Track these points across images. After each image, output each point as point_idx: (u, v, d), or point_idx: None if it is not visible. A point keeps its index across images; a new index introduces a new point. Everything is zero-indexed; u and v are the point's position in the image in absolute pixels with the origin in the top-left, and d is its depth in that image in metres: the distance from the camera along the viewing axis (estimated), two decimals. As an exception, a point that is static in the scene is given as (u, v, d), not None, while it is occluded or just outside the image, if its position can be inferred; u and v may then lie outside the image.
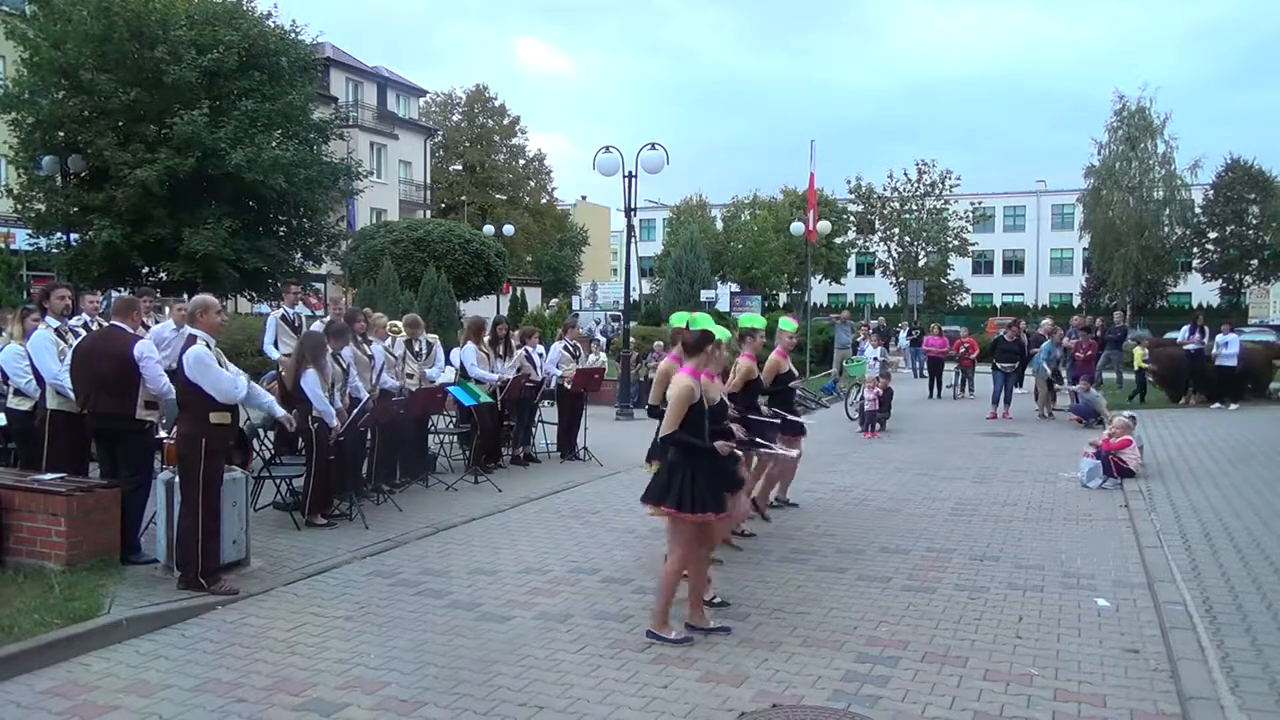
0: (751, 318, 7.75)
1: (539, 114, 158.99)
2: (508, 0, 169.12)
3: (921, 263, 56.13)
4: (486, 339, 11.22)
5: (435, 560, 7.27)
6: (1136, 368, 18.73)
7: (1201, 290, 53.16)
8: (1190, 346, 18.14)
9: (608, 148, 17.74)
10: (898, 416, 15.94)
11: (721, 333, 7.36)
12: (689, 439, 5.43)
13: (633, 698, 4.75)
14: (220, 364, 6.14)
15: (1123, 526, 8.53)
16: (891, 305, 56.15)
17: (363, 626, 5.77)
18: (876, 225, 57.22)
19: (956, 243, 56.20)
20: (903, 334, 30.77)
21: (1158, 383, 19.30)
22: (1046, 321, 19.10)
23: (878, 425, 15.04)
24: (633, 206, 18.30)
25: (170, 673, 5.01)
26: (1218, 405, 17.62)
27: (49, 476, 6.54)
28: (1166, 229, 47.76)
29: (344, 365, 8.27)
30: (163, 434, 7.08)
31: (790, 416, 8.48)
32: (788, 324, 9.49)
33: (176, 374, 6.24)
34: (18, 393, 7.42)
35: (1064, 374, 17.81)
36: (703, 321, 7.01)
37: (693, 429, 5.44)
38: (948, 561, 7.34)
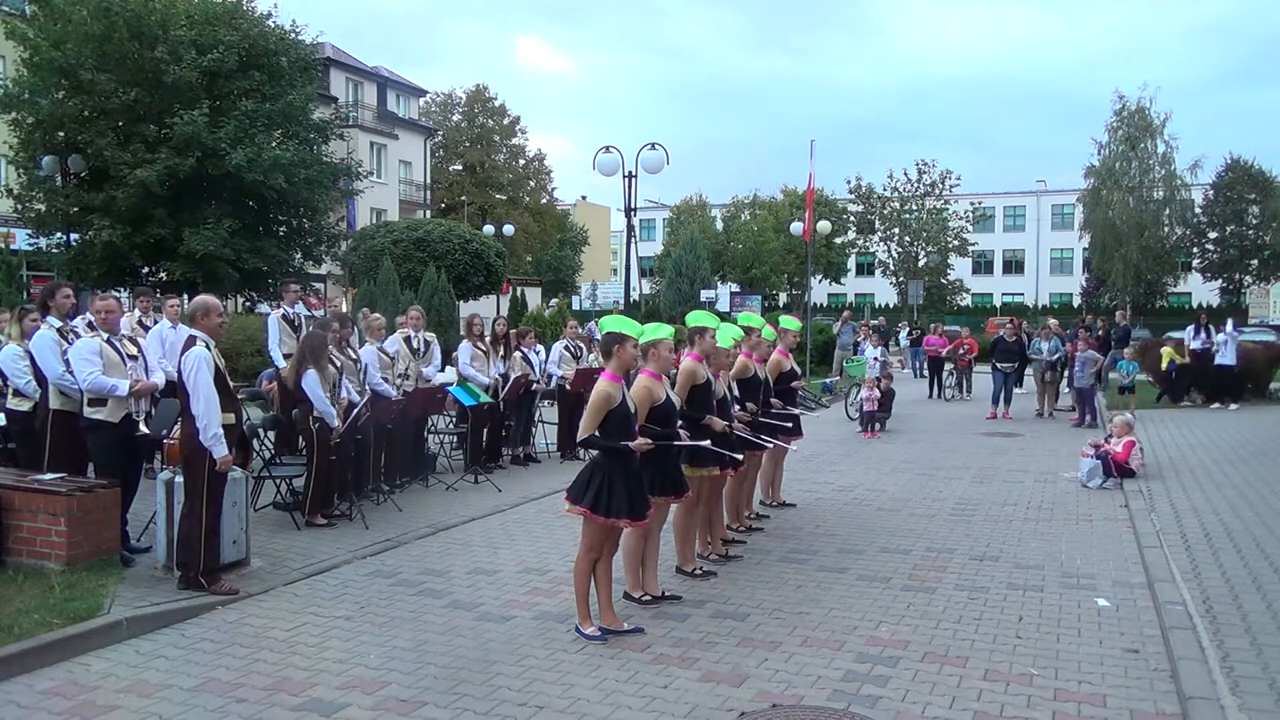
0: (697, 315, 7.14)
1: (539, 114, 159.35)
2: None
3: (921, 263, 56.11)
4: (487, 338, 11.22)
5: (435, 560, 7.27)
6: (1166, 366, 18.22)
7: (1201, 290, 53.19)
8: (1196, 346, 18.11)
9: (608, 148, 17.76)
10: (898, 416, 15.93)
11: (726, 329, 7.35)
12: (602, 442, 5.48)
13: (633, 698, 4.75)
14: (218, 366, 6.14)
15: (1123, 526, 8.53)
16: (891, 305, 56.16)
17: (363, 626, 5.77)
18: (876, 225, 57.19)
19: (956, 243, 56.19)
20: (903, 334, 30.77)
21: (1155, 383, 19.30)
22: (1053, 321, 19.06)
23: (878, 425, 15.05)
24: (633, 206, 18.31)
25: (170, 673, 5.01)
26: (1217, 405, 17.62)
27: (49, 476, 6.54)
28: (1166, 229, 47.79)
29: (338, 365, 8.27)
30: (144, 430, 7.08)
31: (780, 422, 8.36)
32: (790, 322, 9.46)
33: (178, 375, 6.25)
34: (17, 393, 7.42)
35: (1063, 373, 17.81)
36: (699, 318, 7.02)
37: (613, 433, 5.49)
38: (948, 561, 7.34)
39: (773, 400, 8.27)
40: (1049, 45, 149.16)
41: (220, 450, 6.01)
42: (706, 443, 6.34)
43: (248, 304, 27.48)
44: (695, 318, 6.98)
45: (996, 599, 6.40)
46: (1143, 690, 4.88)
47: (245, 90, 23.88)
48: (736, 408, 7.32)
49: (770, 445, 7.79)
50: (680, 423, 6.27)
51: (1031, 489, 10.37)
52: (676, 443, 6.05)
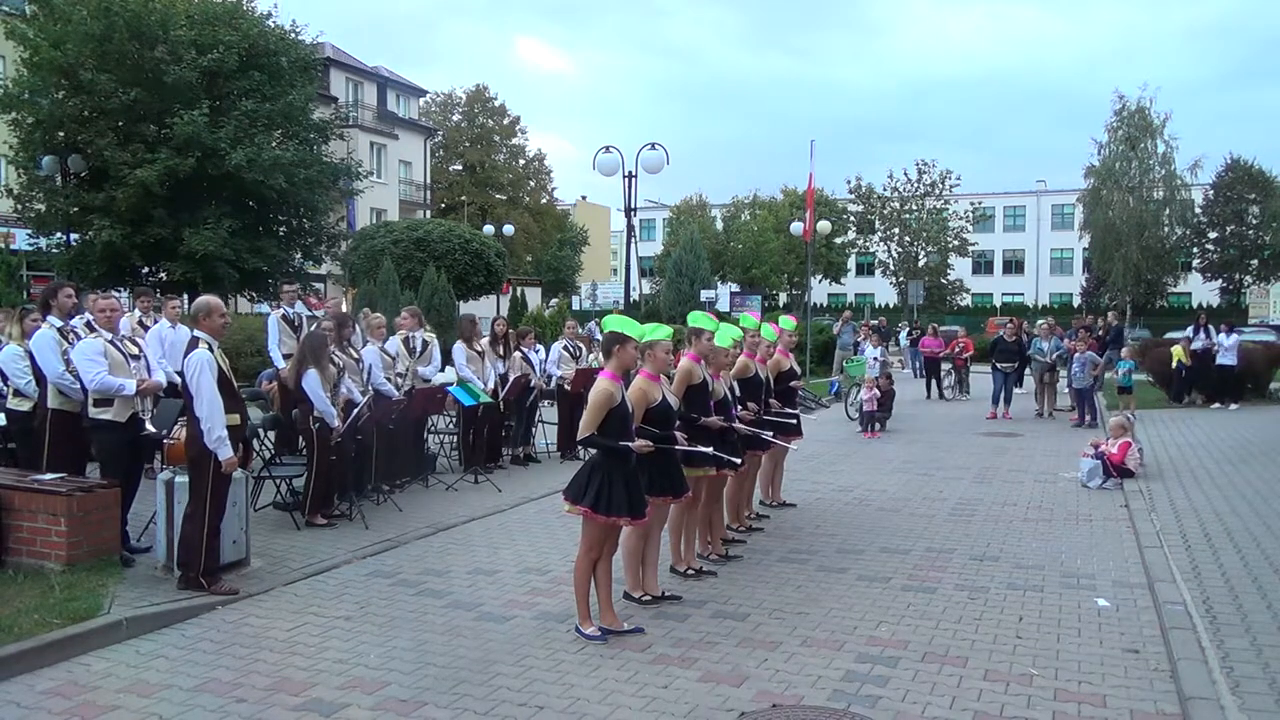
0: (696, 316, 7.06)
1: (539, 114, 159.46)
2: None
3: (921, 263, 56.12)
4: (485, 339, 11.21)
5: (435, 560, 7.27)
6: (1175, 364, 18.18)
7: (1201, 290, 53.23)
8: (1197, 346, 18.11)
9: (608, 148, 17.77)
10: (898, 416, 15.93)
11: (724, 329, 7.35)
12: (603, 441, 5.49)
13: (633, 698, 4.75)
14: (221, 368, 6.14)
15: (1123, 526, 8.53)
16: (891, 305, 56.17)
17: (363, 626, 5.77)
18: (876, 225, 57.20)
19: (956, 243, 56.20)
20: (903, 334, 30.77)
21: (1156, 383, 19.30)
22: (1042, 322, 19.07)
23: (878, 425, 15.04)
24: (633, 206, 18.31)
25: (170, 673, 5.01)
26: (1218, 405, 17.61)
27: (49, 476, 6.54)
28: (1166, 229, 47.71)
29: (339, 365, 8.27)
30: (151, 429, 7.08)
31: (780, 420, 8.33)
32: (787, 322, 9.48)
33: (181, 377, 6.26)
34: (17, 393, 7.42)
35: (1062, 373, 17.81)
36: (697, 319, 7.02)
37: (613, 432, 5.49)
38: (948, 561, 7.34)
39: (771, 401, 8.27)
40: (1049, 45, 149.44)
41: (225, 452, 6.01)
42: (709, 449, 6.33)
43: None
44: (694, 319, 6.98)
45: (996, 599, 6.39)
46: (1143, 690, 4.88)
47: (245, 90, 23.89)
48: (739, 408, 7.32)
49: (772, 443, 7.80)
50: (678, 423, 6.27)
51: (1031, 489, 10.37)
52: (677, 447, 6.05)
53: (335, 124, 29.50)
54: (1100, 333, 19.64)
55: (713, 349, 6.89)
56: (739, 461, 6.98)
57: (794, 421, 8.67)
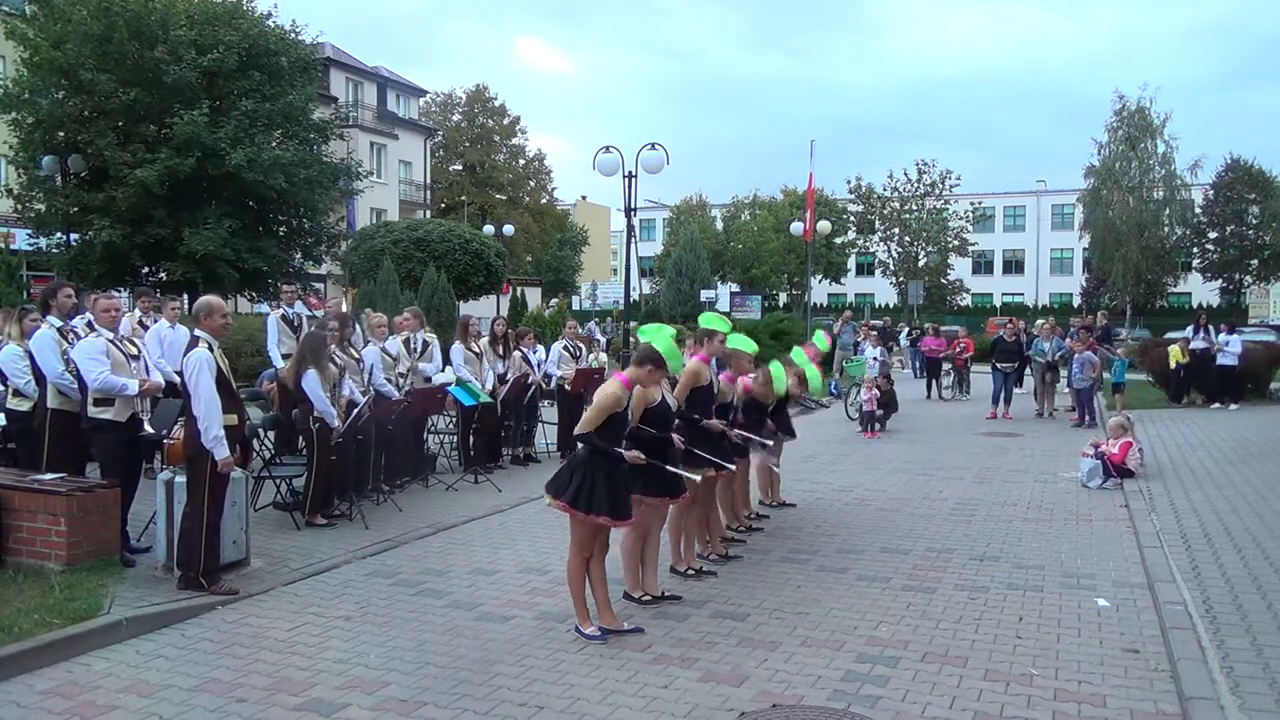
0: (709, 317, 7.17)
1: (539, 114, 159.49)
2: None
3: (921, 263, 56.10)
4: (485, 339, 11.21)
5: (435, 560, 7.27)
6: (1174, 365, 18.18)
7: (1201, 290, 53.24)
8: (1196, 346, 18.12)
9: (608, 148, 17.79)
10: (897, 416, 15.92)
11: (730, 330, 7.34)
12: (598, 443, 5.50)
13: (633, 698, 4.75)
14: (220, 368, 6.14)
15: (1123, 526, 8.53)
16: (891, 305, 56.18)
17: (363, 626, 5.77)
18: (876, 225, 57.20)
19: (956, 243, 56.19)
20: (903, 335, 30.77)
21: (1155, 383, 19.29)
22: (1043, 321, 19.06)
23: (878, 425, 15.05)
24: (633, 206, 18.33)
25: (170, 673, 5.01)
26: (1217, 405, 17.61)
27: (49, 476, 6.54)
28: (1166, 229, 47.72)
29: (339, 364, 8.27)
30: (149, 429, 7.08)
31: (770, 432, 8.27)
32: (816, 337, 9.39)
33: (180, 377, 6.27)
34: (17, 393, 7.42)
35: (1062, 373, 17.81)
36: (710, 320, 7.03)
37: (609, 435, 5.50)
38: (948, 561, 7.34)
39: (768, 421, 8.20)
40: (1049, 45, 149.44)
41: (222, 452, 6.01)
42: (696, 475, 6.25)
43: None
44: (706, 320, 6.99)
45: (996, 599, 6.39)
46: (1143, 690, 4.88)
47: (245, 90, 23.89)
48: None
49: (762, 451, 7.80)
50: (679, 424, 6.26)
51: (1031, 489, 10.37)
52: (668, 467, 6.01)
53: (335, 124, 29.50)
54: (1098, 333, 19.65)
55: (732, 352, 6.89)
56: (732, 466, 7.00)
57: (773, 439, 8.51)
